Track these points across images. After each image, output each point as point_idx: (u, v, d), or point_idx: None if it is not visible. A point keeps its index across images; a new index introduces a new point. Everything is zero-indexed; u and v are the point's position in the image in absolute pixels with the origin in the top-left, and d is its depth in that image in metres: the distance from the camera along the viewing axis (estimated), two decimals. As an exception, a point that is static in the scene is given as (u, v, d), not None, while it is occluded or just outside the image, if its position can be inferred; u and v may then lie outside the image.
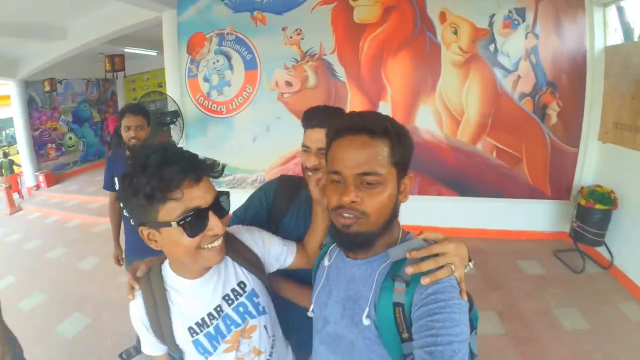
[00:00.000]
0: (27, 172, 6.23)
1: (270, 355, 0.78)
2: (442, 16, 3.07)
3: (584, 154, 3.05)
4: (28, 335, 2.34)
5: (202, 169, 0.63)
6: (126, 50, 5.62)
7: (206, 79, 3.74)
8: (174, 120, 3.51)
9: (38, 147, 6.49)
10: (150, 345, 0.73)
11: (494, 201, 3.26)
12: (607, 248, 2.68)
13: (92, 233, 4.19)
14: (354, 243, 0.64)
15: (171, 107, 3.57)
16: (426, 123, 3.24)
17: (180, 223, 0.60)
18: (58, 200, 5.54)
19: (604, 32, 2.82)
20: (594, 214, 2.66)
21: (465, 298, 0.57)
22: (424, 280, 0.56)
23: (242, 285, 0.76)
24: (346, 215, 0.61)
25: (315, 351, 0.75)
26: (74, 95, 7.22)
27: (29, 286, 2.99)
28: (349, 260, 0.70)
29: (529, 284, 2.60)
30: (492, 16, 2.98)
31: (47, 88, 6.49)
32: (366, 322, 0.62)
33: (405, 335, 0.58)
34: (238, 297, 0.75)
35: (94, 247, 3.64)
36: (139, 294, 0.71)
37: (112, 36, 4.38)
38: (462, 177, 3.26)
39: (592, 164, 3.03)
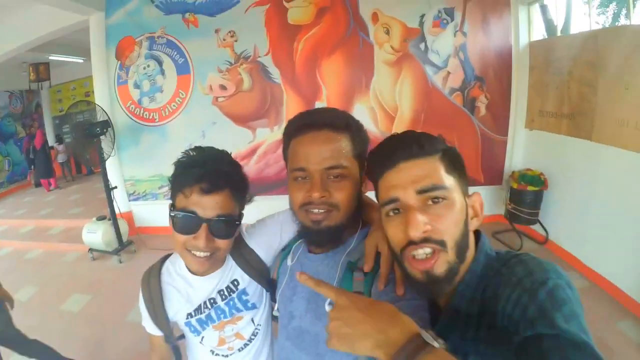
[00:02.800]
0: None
1: (249, 341, 0.83)
2: (375, 17, 3.15)
3: (512, 141, 3.28)
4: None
5: (219, 185, 0.67)
6: (51, 57, 5.18)
7: (137, 86, 3.53)
8: (104, 130, 3.24)
9: (-41, 169, 5.81)
10: (149, 326, 0.83)
11: (432, 192, 3.39)
12: (542, 225, 2.90)
13: (25, 260, 3.78)
14: (325, 238, 0.66)
15: (100, 117, 3.29)
16: (362, 121, 3.22)
17: (172, 215, 0.68)
18: (-16, 228, 4.94)
19: (528, 29, 3.06)
20: (526, 195, 2.86)
21: (400, 292, 0.58)
22: (381, 286, 0.59)
23: (236, 284, 0.81)
24: (316, 210, 0.62)
25: (280, 347, 0.76)
26: (-4, 109, 6.52)
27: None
28: (312, 256, 0.72)
29: (472, 265, 2.74)
30: (423, 16, 3.11)
31: (-33, 103, 5.82)
32: (328, 308, 0.62)
33: None
34: (231, 293, 0.80)
35: (30, 276, 3.30)
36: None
37: (37, 42, 4.00)
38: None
39: (521, 150, 3.27)
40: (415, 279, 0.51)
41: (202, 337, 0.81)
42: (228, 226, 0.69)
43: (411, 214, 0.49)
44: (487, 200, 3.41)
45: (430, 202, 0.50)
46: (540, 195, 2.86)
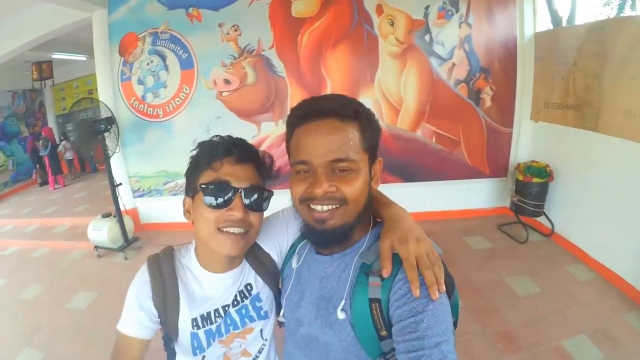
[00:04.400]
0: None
1: (255, 358, 0.76)
2: (379, 8, 3.12)
3: (518, 133, 3.26)
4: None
5: (248, 156, 0.66)
6: (54, 56, 5.17)
7: (140, 82, 3.52)
8: (109, 127, 3.24)
9: (-35, 170, 5.86)
10: (135, 325, 0.67)
11: (436, 184, 3.39)
12: (547, 217, 2.88)
13: (31, 258, 3.79)
14: (331, 238, 0.59)
15: (104, 114, 3.29)
16: (367, 113, 3.29)
17: (204, 187, 0.62)
18: (-10, 227, 4.96)
19: (533, 19, 3.04)
20: (532, 187, 2.85)
21: (436, 296, 0.51)
22: (415, 293, 0.50)
23: (249, 288, 0.74)
24: (319, 208, 0.56)
25: (288, 355, 0.70)
26: (-1, 109, 6.53)
27: (-27, 325, 2.64)
28: (320, 257, 0.65)
29: (479, 258, 2.73)
30: (427, 7, 3.09)
31: (-30, 104, 5.86)
32: (341, 315, 0.57)
33: (383, 332, 0.54)
34: (243, 299, 0.73)
35: (36, 274, 3.32)
36: (146, 274, 0.68)
37: (40, 40, 4.00)
38: (404, 164, 3.35)
39: (526, 141, 3.25)
40: None
41: (204, 357, 0.69)
42: (262, 197, 0.67)
43: None
44: (493, 193, 3.40)
45: None
46: (546, 187, 2.84)
